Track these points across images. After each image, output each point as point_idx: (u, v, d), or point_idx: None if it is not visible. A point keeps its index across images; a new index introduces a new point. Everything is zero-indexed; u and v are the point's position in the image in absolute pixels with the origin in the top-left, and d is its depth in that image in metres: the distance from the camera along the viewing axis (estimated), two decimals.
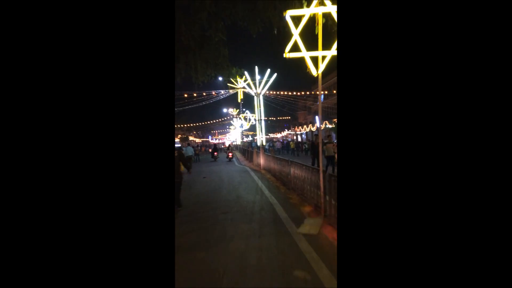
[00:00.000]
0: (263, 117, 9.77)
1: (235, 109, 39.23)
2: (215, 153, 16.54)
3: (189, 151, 10.70)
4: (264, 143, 10.09)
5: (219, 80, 23.05)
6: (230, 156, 16.28)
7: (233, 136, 40.38)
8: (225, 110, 41.87)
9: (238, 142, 31.95)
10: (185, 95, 20.21)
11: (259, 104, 9.77)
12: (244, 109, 23.59)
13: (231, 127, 47.34)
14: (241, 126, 23.56)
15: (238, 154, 21.37)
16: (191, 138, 57.90)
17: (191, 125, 43.05)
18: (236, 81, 21.89)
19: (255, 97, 9.45)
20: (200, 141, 63.06)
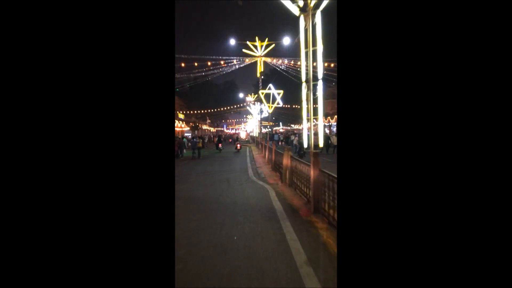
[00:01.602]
0: (321, 73, 3.69)
1: (253, 94, 33.03)
2: (220, 145, 16.10)
3: None
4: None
5: (229, 45, 16.88)
6: (238, 148, 16.02)
7: (250, 126, 34.19)
8: (241, 95, 35.76)
9: (255, 133, 25.59)
10: (182, 65, 14.15)
11: (309, 38, 3.60)
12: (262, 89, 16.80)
13: (248, 116, 41.42)
14: (260, 112, 17.21)
15: (254, 151, 15.27)
16: (205, 127, 52.83)
17: (203, 111, 37.44)
18: (255, 46, 15.56)
19: (301, 20, 3.54)
20: (215, 130, 58.21)
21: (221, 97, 42.44)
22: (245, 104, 33.77)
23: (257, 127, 18.37)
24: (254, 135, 25.71)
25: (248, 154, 14.45)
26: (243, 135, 37.10)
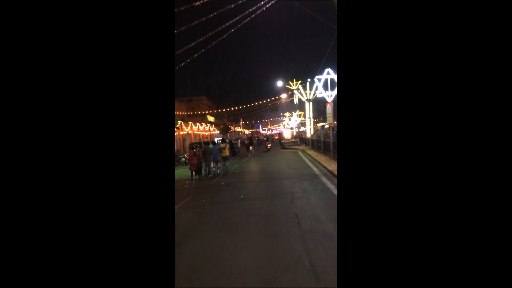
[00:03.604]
0: None
1: (295, 81, 24.41)
2: (250, 147, 15.66)
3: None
4: None
5: None
6: (268, 147, 16.41)
7: (294, 122, 26.13)
8: (280, 83, 27.36)
9: (309, 132, 17.20)
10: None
11: None
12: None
13: (286, 113, 33.25)
14: (330, 84, 8.92)
15: (323, 160, 7.02)
16: (238, 129, 46.06)
17: (234, 109, 30.35)
18: None
19: None
20: (249, 132, 51.36)
21: (254, 94, 35.24)
22: (278, 98, 25.77)
23: (330, 117, 9.80)
24: (309, 133, 17.33)
25: (312, 167, 6.46)
26: (287, 134, 28.99)
